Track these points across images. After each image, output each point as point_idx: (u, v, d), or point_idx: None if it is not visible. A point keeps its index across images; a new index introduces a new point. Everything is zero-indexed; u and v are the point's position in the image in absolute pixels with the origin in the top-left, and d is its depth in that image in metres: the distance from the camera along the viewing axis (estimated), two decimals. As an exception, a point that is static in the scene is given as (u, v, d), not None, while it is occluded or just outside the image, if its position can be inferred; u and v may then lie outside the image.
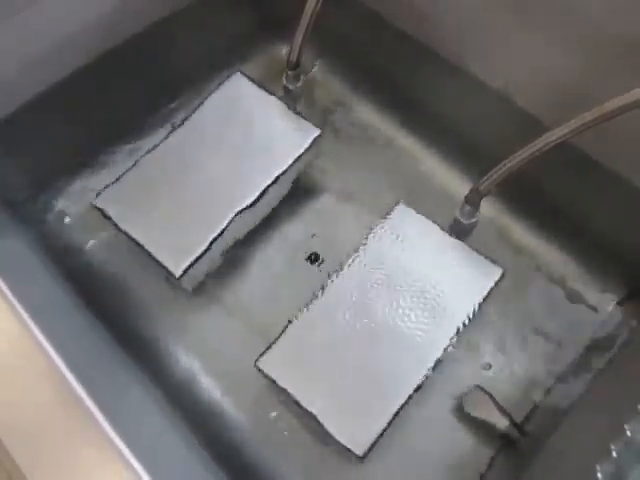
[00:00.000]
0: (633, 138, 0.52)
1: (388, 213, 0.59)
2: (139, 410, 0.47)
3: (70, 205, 0.66)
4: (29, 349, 0.38)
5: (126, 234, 0.56)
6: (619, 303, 0.62)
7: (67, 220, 0.66)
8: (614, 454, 0.32)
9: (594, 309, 0.62)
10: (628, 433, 0.33)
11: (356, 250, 0.57)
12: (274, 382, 0.51)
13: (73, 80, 0.62)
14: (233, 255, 0.63)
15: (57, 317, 0.48)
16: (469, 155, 0.68)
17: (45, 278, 0.55)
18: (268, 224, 0.65)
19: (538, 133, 0.48)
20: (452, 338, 0.53)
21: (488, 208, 0.65)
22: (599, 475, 0.32)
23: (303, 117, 0.62)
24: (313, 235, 0.66)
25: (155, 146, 0.61)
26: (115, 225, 0.57)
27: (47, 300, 0.51)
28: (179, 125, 0.62)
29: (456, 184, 0.68)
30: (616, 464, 0.32)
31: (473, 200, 0.60)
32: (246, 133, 0.61)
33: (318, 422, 0.50)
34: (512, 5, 0.54)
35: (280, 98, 0.63)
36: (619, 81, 0.43)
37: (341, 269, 0.56)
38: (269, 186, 0.59)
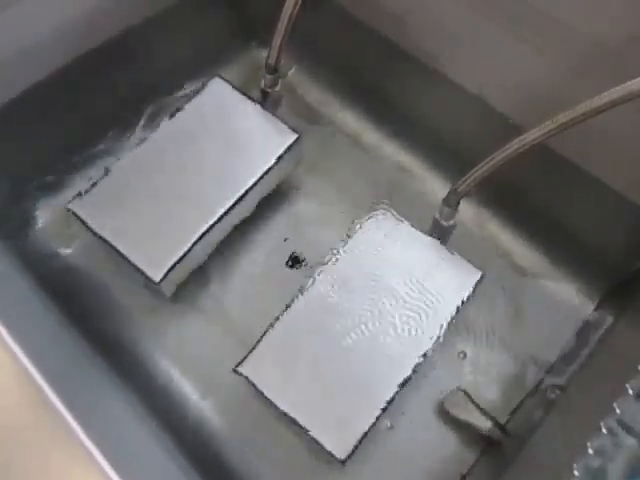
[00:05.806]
0: (606, 139, 0.53)
1: (367, 215, 0.59)
2: (115, 415, 0.46)
3: (47, 211, 0.66)
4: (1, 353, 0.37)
5: (104, 240, 0.56)
6: (598, 301, 0.63)
7: (44, 226, 0.65)
8: (590, 451, 0.33)
9: (573, 308, 0.63)
10: (604, 430, 0.33)
11: (336, 253, 0.57)
12: (255, 387, 0.51)
13: (49, 82, 0.61)
14: (212, 259, 0.63)
15: (33, 323, 0.47)
16: (447, 157, 0.68)
17: (21, 285, 0.55)
18: (247, 228, 0.65)
19: (515, 135, 0.49)
20: (433, 341, 0.53)
21: (467, 209, 0.66)
22: (575, 472, 0.32)
23: (281, 121, 0.62)
24: (292, 238, 0.66)
25: (133, 151, 0.60)
26: (92, 231, 0.56)
27: (23, 306, 0.50)
28: (157, 129, 0.61)
29: (435, 186, 0.68)
30: (592, 461, 0.33)
31: (452, 202, 0.60)
32: (224, 137, 0.61)
33: (300, 426, 0.50)
34: (484, 9, 0.54)
35: (258, 102, 0.63)
36: (592, 83, 0.43)
37: (320, 272, 0.56)
38: (248, 190, 0.59)
